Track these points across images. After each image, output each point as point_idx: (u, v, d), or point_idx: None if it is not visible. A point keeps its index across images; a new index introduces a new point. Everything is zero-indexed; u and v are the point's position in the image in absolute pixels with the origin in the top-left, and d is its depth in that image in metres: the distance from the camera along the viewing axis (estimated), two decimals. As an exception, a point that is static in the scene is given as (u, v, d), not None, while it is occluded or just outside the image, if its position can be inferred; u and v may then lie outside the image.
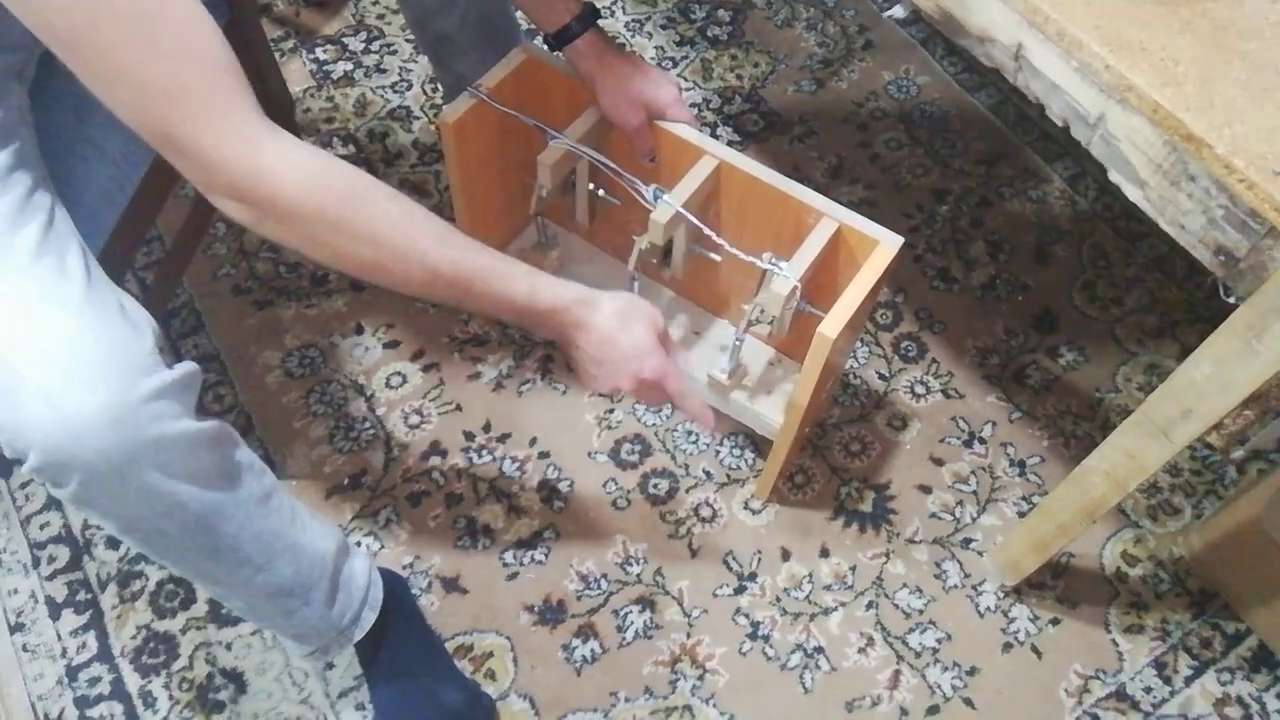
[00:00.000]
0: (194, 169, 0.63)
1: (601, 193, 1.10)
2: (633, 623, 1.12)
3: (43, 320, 0.67)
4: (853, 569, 1.16)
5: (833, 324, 0.90)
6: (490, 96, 1.02)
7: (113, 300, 0.71)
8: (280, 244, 0.70)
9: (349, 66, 1.59)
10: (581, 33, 0.99)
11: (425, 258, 0.71)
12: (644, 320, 0.84)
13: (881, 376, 1.31)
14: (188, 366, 0.72)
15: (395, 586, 1.04)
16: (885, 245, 0.96)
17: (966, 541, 1.18)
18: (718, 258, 1.03)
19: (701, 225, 0.99)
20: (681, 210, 0.97)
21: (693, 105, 1.57)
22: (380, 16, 1.66)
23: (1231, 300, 0.72)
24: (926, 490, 1.22)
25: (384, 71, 1.58)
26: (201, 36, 0.61)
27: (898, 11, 1.64)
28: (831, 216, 0.97)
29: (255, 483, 0.81)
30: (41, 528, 1.16)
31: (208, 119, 0.61)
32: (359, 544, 1.16)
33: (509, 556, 1.15)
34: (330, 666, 1.08)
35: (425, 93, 1.55)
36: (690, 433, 1.25)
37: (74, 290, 0.69)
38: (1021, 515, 1.20)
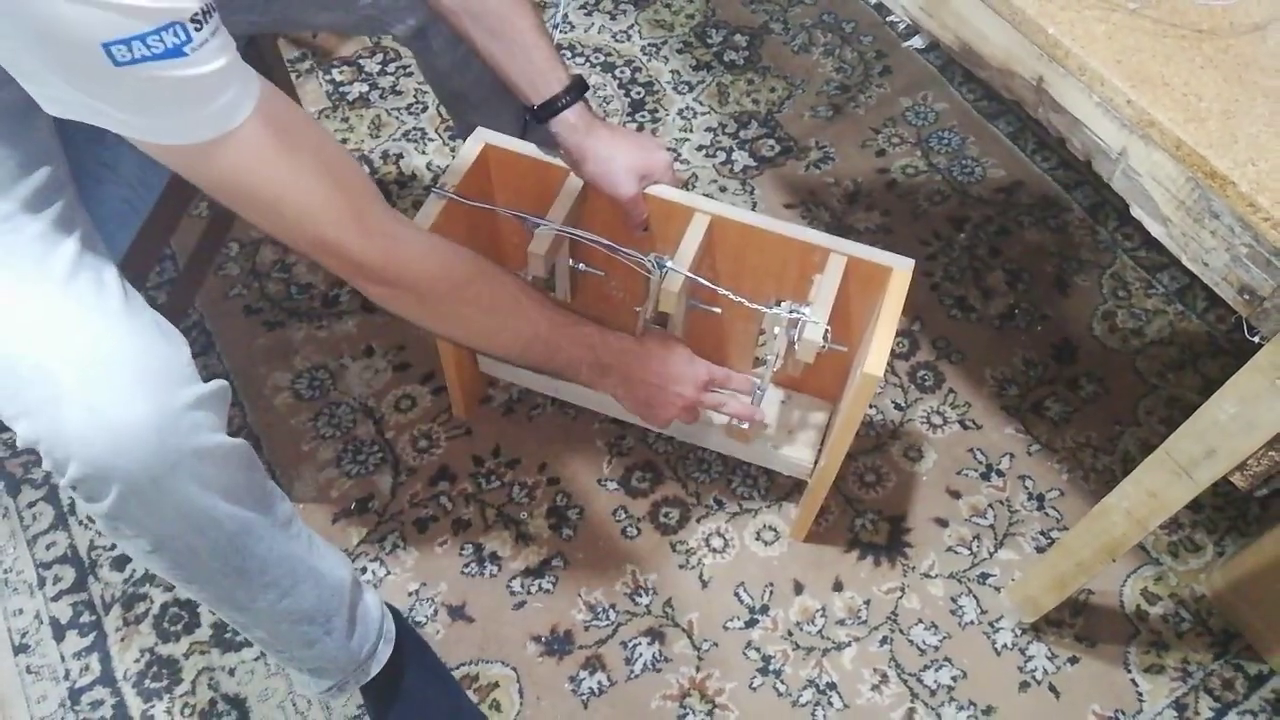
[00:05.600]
0: (345, 266, 0.70)
1: (582, 267, 1.09)
2: (641, 655, 1.10)
3: (84, 332, 0.67)
4: (867, 603, 1.14)
5: (876, 362, 0.88)
6: (457, 194, 0.99)
7: (148, 314, 0.72)
8: (408, 319, 0.77)
9: (364, 88, 1.59)
10: (571, 104, 0.94)
11: (531, 317, 0.83)
12: (677, 344, 0.99)
13: (898, 406, 1.29)
14: (219, 383, 0.72)
15: (399, 621, 1.02)
16: (899, 270, 0.94)
17: (983, 577, 1.16)
18: (718, 310, 1.01)
19: (714, 286, 0.97)
20: (690, 275, 0.96)
21: (708, 130, 1.56)
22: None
23: (1256, 339, 0.71)
24: (943, 523, 1.20)
25: (399, 93, 1.59)
26: (338, 156, 0.68)
27: (917, 42, 1.63)
28: (839, 251, 0.96)
29: (280, 505, 0.81)
30: (48, 547, 1.16)
31: (354, 226, 0.68)
32: (364, 570, 1.15)
33: (516, 585, 1.14)
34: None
35: (440, 115, 1.55)
36: (702, 460, 1.23)
37: (113, 303, 0.70)
38: (1040, 550, 1.18)
